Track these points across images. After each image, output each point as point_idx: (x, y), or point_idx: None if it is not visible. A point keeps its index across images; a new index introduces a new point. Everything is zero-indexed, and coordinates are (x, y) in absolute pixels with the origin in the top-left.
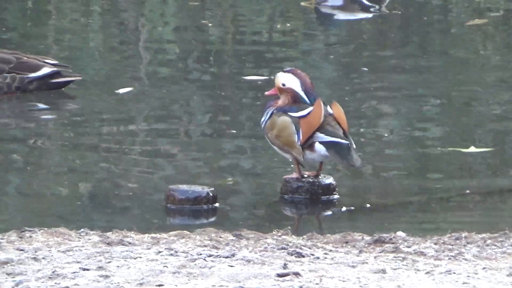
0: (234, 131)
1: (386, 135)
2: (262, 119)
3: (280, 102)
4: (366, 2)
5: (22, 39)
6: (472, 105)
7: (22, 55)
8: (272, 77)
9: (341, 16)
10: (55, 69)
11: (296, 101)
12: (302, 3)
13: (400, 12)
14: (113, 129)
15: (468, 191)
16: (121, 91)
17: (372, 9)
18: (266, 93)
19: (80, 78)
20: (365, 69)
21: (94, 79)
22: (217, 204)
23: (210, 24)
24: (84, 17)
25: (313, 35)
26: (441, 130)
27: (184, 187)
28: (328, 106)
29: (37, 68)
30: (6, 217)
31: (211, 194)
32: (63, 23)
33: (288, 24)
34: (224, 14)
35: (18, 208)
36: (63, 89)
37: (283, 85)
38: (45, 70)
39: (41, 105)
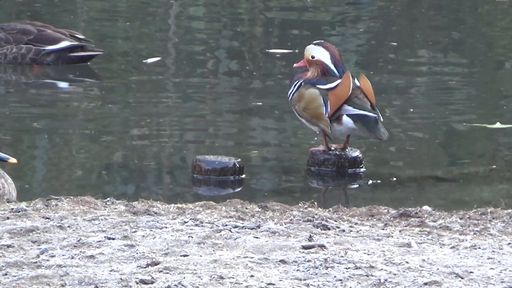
0: (261, 103)
1: (412, 109)
2: (290, 91)
3: (309, 74)
4: None
5: (51, 10)
6: (499, 81)
7: (48, 28)
8: (297, 50)
9: None
10: (75, 43)
11: (325, 74)
12: None
13: None
14: (141, 99)
15: (494, 166)
16: (149, 60)
17: None
18: (295, 65)
19: (102, 52)
20: (394, 43)
21: (122, 49)
22: (243, 176)
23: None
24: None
25: (342, 10)
26: (468, 105)
27: (211, 157)
28: (356, 79)
29: (55, 41)
30: (33, 185)
31: (237, 165)
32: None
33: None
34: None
35: (44, 177)
36: (88, 63)
37: (312, 57)
38: (64, 44)
39: (66, 75)
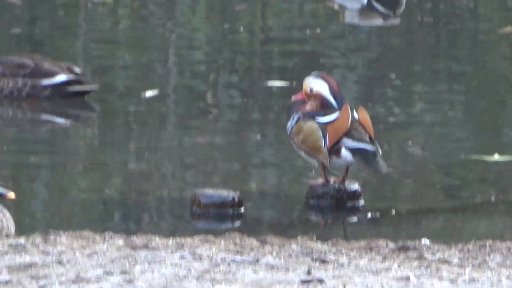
0: (259, 136)
1: (410, 142)
2: (289, 124)
3: (307, 107)
4: (382, 9)
5: (51, 40)
6: (499, 112)
7: (46, 61)
8: (295, 83)
9: (364, 22)
10: (72, 77)
11: (323, 106)
12: (327, 3)
13: (431, 19)
14: (139, 131)
15: (492, 199)
16: (147, 93)
17: (387, 17)
18: (293, 97)
19: (96, 88)
20: (393, 75)
21: (120, 81)
22: (242, 209)
23: (241, 28)
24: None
25: (339, 40)
26: (466, 136)
27: (210, 191)
28: (354, 111)
29: (52, 74)
30: (31, 219)
31: (236, 199)
32: (92, 31)
33: (318, 31)
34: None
35: (43, 211)
36: (85, 97)
37: (311, 90)
38: (60, 78)
39: (63, 110)
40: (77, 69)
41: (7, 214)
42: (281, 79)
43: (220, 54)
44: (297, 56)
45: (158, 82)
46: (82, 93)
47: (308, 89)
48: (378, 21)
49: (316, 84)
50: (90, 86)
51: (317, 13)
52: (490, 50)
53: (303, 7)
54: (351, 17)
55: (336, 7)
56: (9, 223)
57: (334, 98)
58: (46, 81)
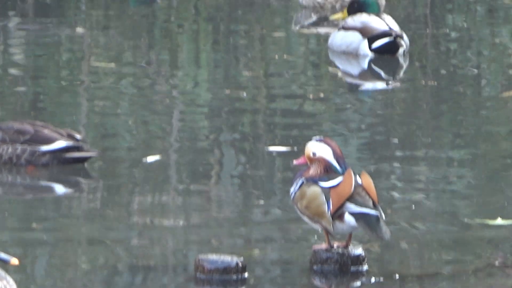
0: (262, 202)
1: (413, 206)
2: (292, 189)
3: (311, 171)
4: (382, 74)
5: (54, 107)
6: (501, 177)
7: (46, 128)
8: (296, 148)
9: (366, 85)
10: (71, 143)
11: (327, 171)
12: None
13: (435, 83)
14: (141, 199)
15: (496, 263)
16: (149, 159)
17: (388, 81)
18: (295, 162)
19: (96, 154)
20: (395, 140)
21: (122, 147)
22: (246, 274)
23: (244, 94)
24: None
25: (342, 104)
26: (469, 200)
27: (214, 256)
28: (358, 176)
29: (50, 141)
30: (34, 287)
31: (240, 264)
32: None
33: (321, 95)
34: (258, 83)
35: (46, 279)
36: (85, 164)
37: (314, 154)
38: (59, 144)
39: (63, 175)
40: (78, 136)
41: (11, 281)
42: (282, 144)
43: (222, 119)
44: (299, 120)
45: (160, 147)
46: (82, 160)
47: (311, 153)
48: (380, 85)
49: (319, 149)
50: (90, 153)
51: (320, 78)
52: (493, 113)
53: (307, 72)
54: (352, 81)
55: (338, 72)
56: None
57: (338, 162)
58: (45, 148)
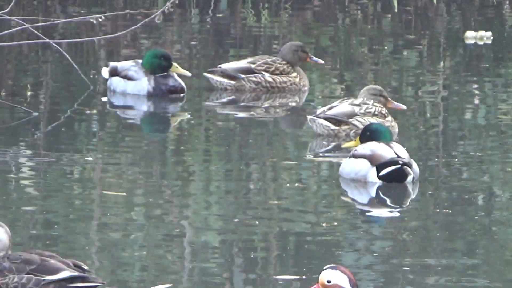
0: None
1: None
2: None
3: None
4: (390, 203)
5: (63, 221)
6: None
7: (54, 258)
8: (305, 277)
9: (374, 213)
10: (76, 274)
11: None
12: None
13: (449, 211)
14: None
15: None
16: (158, 287)
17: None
18: None
19: (103, 284)
20: (406, 269)
21: (131, 278)
22: None
23: (256, 223)
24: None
25: (353, 231)
26: None
27: None
28: None
29: (56, 271)
30: None
31: None
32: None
33: (334, 223)
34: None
35: None
36: None
37: (329, 282)
38: (63, 274)
39: None
40: (85, 266)
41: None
42: (292, 272)
43: (233, 248)
44: (311, 248)
45: (171, 277)
46: None
47: (326, 281)
48: (386, 213)
49: (335, 276)
50: (95, 283)
51: (331, 206)
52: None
53: (318, 200)
54: (361, 208)
55: (348, 200)
56: None
57: None
58: (49, 277)
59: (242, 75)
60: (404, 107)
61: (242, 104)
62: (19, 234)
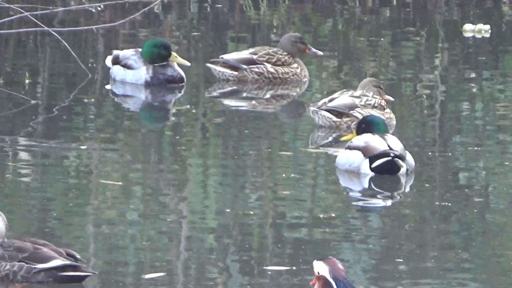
0: None
1: None
2: None
3: None
4: (381, 194)
5: (62, 220)
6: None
7: (47, 246)
8: (295, 267)
9: (364, 204)
10: (67, 262)
11: None
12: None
13: (449, 204)
14: None
15: None
16: (150, 276)
17: (387, 200)
18: (311, 283)
19: (94, 273)
20: (402, 264)
21: (122, 262)
22: None
23: (251, 213)
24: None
25: (350, 224)
26: None
27: None
28: None
29: (47, 259)
30: None
31: None
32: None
33: (333, 214)
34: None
35: None
36: (82, 282)
37: (318, 273)
38: (55, 262)
39: None
40: (78, 255)
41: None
42: (282, 264)
43: (228, 238)
44: (307, 239)
45: (165, 266)
46: (78, 279)
47: (316, 273)
48: (378, 203)
49: (319, 267)
50: (86, 272)
51: (325, 197)
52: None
53: (314, 191)
54: (352, 199)
55: (342, 191)
56: None
57: (335, 280)
58: (40, 266)
59: (245, 66)
60: (392, 99)
61: (244, 94)
62: (16, 222)
